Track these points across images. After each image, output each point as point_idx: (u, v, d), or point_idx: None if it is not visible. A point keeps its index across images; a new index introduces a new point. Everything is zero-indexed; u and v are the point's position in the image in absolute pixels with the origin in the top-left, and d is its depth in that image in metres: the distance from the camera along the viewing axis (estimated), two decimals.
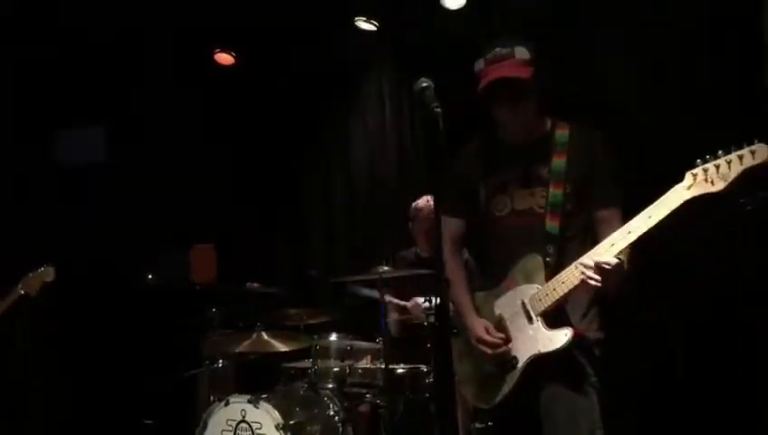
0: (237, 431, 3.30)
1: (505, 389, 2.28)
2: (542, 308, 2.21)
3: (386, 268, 3.58)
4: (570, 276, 2.15)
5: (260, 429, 3.26)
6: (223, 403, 3.37)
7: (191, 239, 5.05)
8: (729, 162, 1.87)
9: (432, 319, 3.54)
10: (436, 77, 1.99)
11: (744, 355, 3.44)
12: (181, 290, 4.66)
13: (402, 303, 3.95)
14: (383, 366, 3.42)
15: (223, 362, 3.97)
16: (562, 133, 2.35)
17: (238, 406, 3.32)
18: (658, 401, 3.70)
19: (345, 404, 3.49)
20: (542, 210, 2.30)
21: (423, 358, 3.58)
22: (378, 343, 3.64)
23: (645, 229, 2.00)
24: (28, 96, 4.99)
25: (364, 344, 3.76)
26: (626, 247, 2.06)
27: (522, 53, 2.28)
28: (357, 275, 3.83)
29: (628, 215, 2.10)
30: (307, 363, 3.71)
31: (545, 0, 4.03)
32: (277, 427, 3.20)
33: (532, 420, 2.26)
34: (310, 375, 3.60)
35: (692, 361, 3.65)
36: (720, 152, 1.88)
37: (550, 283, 2.21)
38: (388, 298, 3.85)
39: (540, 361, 2.21)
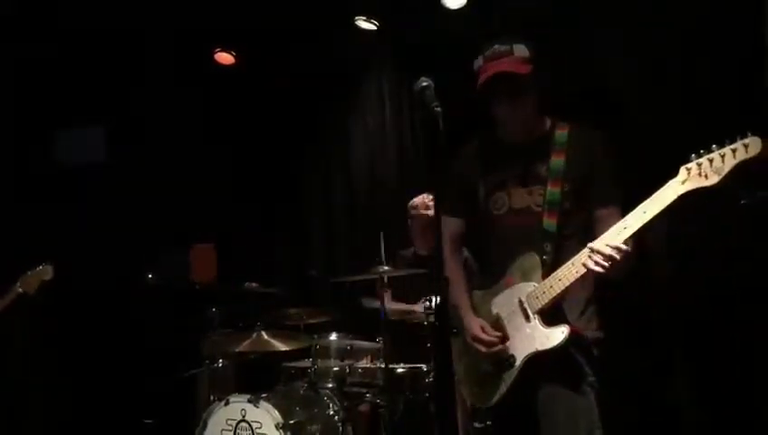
0: (237, 431, 3.30)
1: (503, 388, 2.28)
2: (540, 306, 2.22)
3: (386, 268, 3.58)
4: (567, 273, 2.16)
5: (260, 428, 3.26)
6: (223, 403, 3.37)
7: (191, 239, 5.05)
8: (723, 156, 1.88)
9: (432, 319, 3.53)
10: (436, 77, 2.00)
11: (743, 353, 3.43)
12: (181, 290, 4.67)
13: (409, 307, 3.93)
14: (383, 366, 3.42)
15: (223, 362, 3.98)
16: (562, 133, 2.36)
17: (238, 405, 3.32)
18: (657, 400, 3.70)
19: (345, 404, 3.49)
20: (540, 209, 2.31)
21: (423, 358, 3.58)
22: (378, 342, 3.64)
23: (640, 224, 2.01)
24: (28, 96, 5.00)
25: (364, 344, 3.76)
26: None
27: (520, 50, 2.30)
28: (357, 275, 3.82)
29: (626, 213, 2.10)
30: (307, 363, 3.72)
31: (545, 0, 4.03)
32: (277, 426, 3.21)
33: (530, 418, 2.26)
34: (310, 375, 3.60)
35: (691, 359, 3.64)
36: (714, 146, 1.89)
37: (547, 280, 2.21)
38: (392, 305, 3.85)
39: (537, 359, 2.21)
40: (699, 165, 1.91)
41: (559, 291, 2.18)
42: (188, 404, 4.20)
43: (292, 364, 3.87)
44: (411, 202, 4.04)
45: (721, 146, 1.88)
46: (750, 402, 3.40)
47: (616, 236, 2.06)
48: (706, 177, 1.90)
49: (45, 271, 3.27)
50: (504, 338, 2.29)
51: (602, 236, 2.09)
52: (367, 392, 3.57)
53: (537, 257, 2.26)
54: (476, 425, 3.18)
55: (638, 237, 2.08)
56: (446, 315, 2.00)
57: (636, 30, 3.87)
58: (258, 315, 3.86)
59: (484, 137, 2.51)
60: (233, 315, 4.17)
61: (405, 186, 4.74)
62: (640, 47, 3.85)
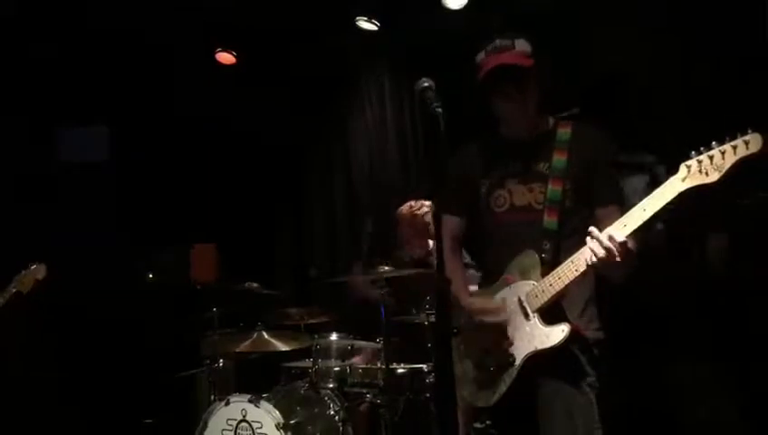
0: (238, 431, 3.30)
1: (503, 387, 2.27)
2: (539, 304, 2.21)
3: (386, 268, 3.58)
4: (567, 271, 2.15)
5: (260, 428, 3.26)
6: (223, 403, 3.37)
7: (192, 239, 5.06)
8: (723, 153, 1.87)
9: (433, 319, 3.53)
10: (437, 77, 1.99)
11: (746, 354, 3.43)
12: (182, 289, 4.67)
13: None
14: (383, 366, 3.42)
15: (223, 362, 3.98)
16: (565, 131, 2.35)
17: (239, 405, 3.32)
18: (657, 403, 3.69)
19: (345, 404, 3.49)
20: (541, 206, 2.30)
21: (423, 358, 3.59)
22: (378, 342, 3.64)
23: (641, 222, 2.00)
24: (29, 95, 5.00)
25: (364, 344, 3.76)
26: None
27: (522, 44, 2.31)
28: (358, 276, 3.83)
29: (626, 211, 2.08)
30: (308, 363, 3.72)
31: (547, 0, 4.03)
32: (278, 426, 3.21)
33: (530, 418, 2.25)
34: (310, 375, 3.60)
35: (692, 360, 3.64)
36: (714, 143, 1.88)
37: (546, 278, 2.20)
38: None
39: (537, 358, 2.20)
40: (699, 162, 1.90)
41: (558, 289, 2.17)
42: (189, 404, 4.21)
43: (293, 364, 3.88)
44: (399, 210, 4.06)
45: (721, 143, 1.87)
46: (754, 401, 3.39)
47: (616, 232, 2.03)
48: (707, 174, 1.89)
49: (38, 270, 3.28)
50: (504, 337, 2.27)
51: (605, 231, 2.05)
52: (367, 392, 3.57)
53: (536, 256, 2.25)
54: (477, 426, 3.17)
55: (640, 239, 2.06)
56: (446, 315, 1.99)
57: (637, 30, 3.87)
58: (259, 315, 3.86)
59: (485, 135, 2.50)
60: (233, 315, 4.17)
61: (406, 186, 4.75)
62: (642, 47, 3.85)
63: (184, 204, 5.15)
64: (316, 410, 3.46)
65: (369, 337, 3.76)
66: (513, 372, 2.24)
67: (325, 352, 3.70)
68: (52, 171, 5.21)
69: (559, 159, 2.31)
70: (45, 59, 4.88)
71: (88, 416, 4.73)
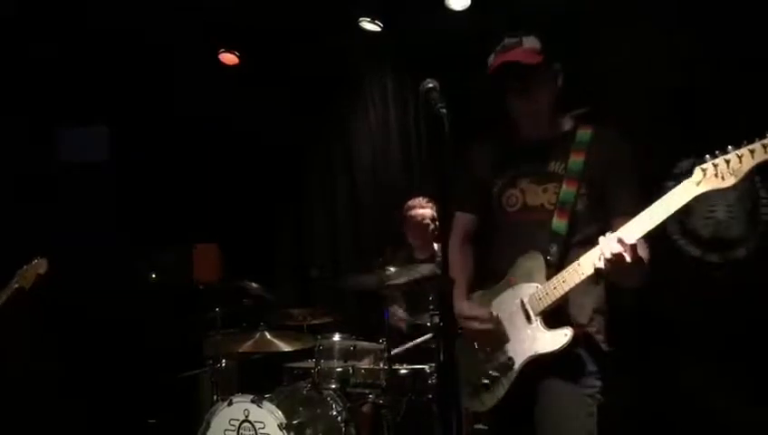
0: (240, 431, 3.30)
1: (501, 391, 2.21)
2: (542, 307, 2.15)
3: (392, 270, 3.58)
4: (572, 275, 2.08)
5: (263, 428, 3.26)
6: (226, 403, 3.37)
7: (194, 239, 5.06)
8: (740, 157, 1.81)
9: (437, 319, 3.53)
10: (441, 78, 1.99)
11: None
12: (184, 289, 4.67)
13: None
14: (386, 366, 3.42)
15: (226, 362, 3.98)
16: (585, 133, 2.29)
17: (241, 406, 3.32)
18: (665, 415, 3.61)
19: (348, 404, 3.49)
20: (553, 207, 2.23)
21: (426, 359, 3.59)
22: (381, 343, 3.64)
23: (652, 226, 1.94)
24: (30, 95, 5.00)
25: (367, 345, 3.76)
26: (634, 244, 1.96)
27: (530, 41, 2.25)
28: (359, 275, 3.82)
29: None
30: (310, 363, 3.72)
31: (549, 0, 4.03)
32: (280, 426, 3.21)
33: (527, 424, 2.20)
34: (313, 375, 3.60)
35: (704, 374, 3.56)
36: (730, 147, 1.82)
37: (550, 281, 2.14)
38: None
39: (538, 362, 2.14)
40: (716, 166, 1.84)
41: (562, 293, 2.10)
42: (191, 404, 4.21)
43: (296, 365, 3.88)
44: (407, 205, 4.06)
45: (738, 146, 1.82)
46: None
47: (628, 235, 1.96)
48: (723, 178, 1.83)
49: (40, 265, 3.29)
50: (504, 340, 2.22)
51: (614, 234, 1.98)
52: (370, 393, 3.57)
53: (541, 258, 2.19)
54: (479, 427, 3.17)
55: (651, 244, 2.01)
56: (450, 316, 1.98)
57: (640, 30, 3.87)
58: (261, 315, 3.86)
59: (501, 132, 2.45)
60: (236, 315, 4.17)
61: (409, 186, 4.75)
62: (645, 47, 3.85)
63: (186, 204, 5.15)
64: (319, 410, 3.46)
65: (371, 338, 3.76)
66: (512, 376, 2.19)
67: (328, 353, 3.71)
68: (53, 171, 5.21)
69: (576, 160, 2.24)
70: (45, 59, 4.88)
71: (91, 416, 4.73)
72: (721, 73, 3.63)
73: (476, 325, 2.24)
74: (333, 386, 3.57)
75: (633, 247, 1.93)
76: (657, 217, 1.93)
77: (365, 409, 3.67)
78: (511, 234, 2.33)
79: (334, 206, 5.23)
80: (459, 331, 2.37)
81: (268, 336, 3.75)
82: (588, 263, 2.05)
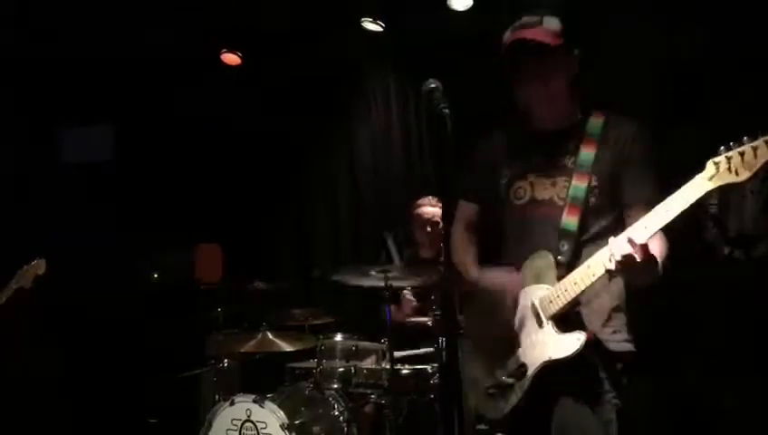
0: (242, 431, 3.30)
1: (515, 398, 2.12)
2: (553, 311, 2.05)
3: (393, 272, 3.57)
4: (583, 276, 1.98)
5: (265, 428, 3.25)
6: (228, 403, 3.36)
7: (196, 238, 5.07)
8: (755, 149, 1.67)
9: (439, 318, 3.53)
10: (443, 78, 1.98)
11: None
12: (186, 289, 4.68)
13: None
14: (388, 367, 3.42)
15: (228, 362, 3.98)
16: (596, 122, 2.18)
17: (243, 405, 3.32)
18: (689, 420, 3.55)
19: (350, 404, 3.49)
20: (563, 203, 2.13)
21: (428, 359, 3.58)
22: (383, 343, 3.64)
23: (663, 224, 1.83)
24: (30, 95, 5.01)
25: (369, 345, 3.76)
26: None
27: (552, 22, 2.12)
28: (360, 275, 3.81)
29: None
30: (312, 363, 3.72)
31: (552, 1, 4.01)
32: (282, 426, 3.20)
33: (546, 432, 2.11)
34: (315, 375, 3.60)
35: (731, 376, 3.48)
36: (745, 138, 1.70)
37: (561, 283, 2.04)
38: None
39: (552, 368, 2.05)
40: (729, 159, 1.71)
41: (574, 295, 2.00)
42: (193, 404, 4.21)
43: (298, 365, 3.88)
44: (416, 203, 4.05)
45: (753, 138, 1.69)
46: None
47: (638, 233, 1.86)
48: (737, 172, 1.70)
49: (39, 265, 3.30)
50: (516, 344, 2.15)
51: (623, 233, 1.90)
52: (372, 393, 3.57)
53: (551, 257, 2.10)
54: (480, 427, 3.16)
55: (671, 240, 1.94)
56: (453, 315, 1.97)
57: (642, 32, 3.85)
58: (263, 315, 3.87)
59: (510, 123, 2.35)
60: (238, 315, 4.18)
61: (410, 186, 4.75)
62: (647, 47, 3.83)
63: (188, 204, 5.15)
64: (320, 410, 3.46)
65: (373, 338, 3.76)
66: (526, 383, 2.10)
67: (330, 353, 3.70)
68: (53, 171, 5.22)
69: (586, 152, 2.13)
70: (46, 59, 4.89)
71: (92, 415, 4.74)
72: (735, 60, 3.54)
73: (507, 289, 2.16)
74: (335, 386, 3.56)
75: (643, 247, 1.84)
76: (667, 214, 1.82)
77: (367, 409, 3.67)
78: (518, 229, 2.24)
79: (336, 206, 5.23)
80: (461, 331, 2.35)
81: (270, 336, 3.75)
82: (598, 264, 1.96)
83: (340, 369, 3.63)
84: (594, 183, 2.12)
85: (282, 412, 3.25)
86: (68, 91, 5.06)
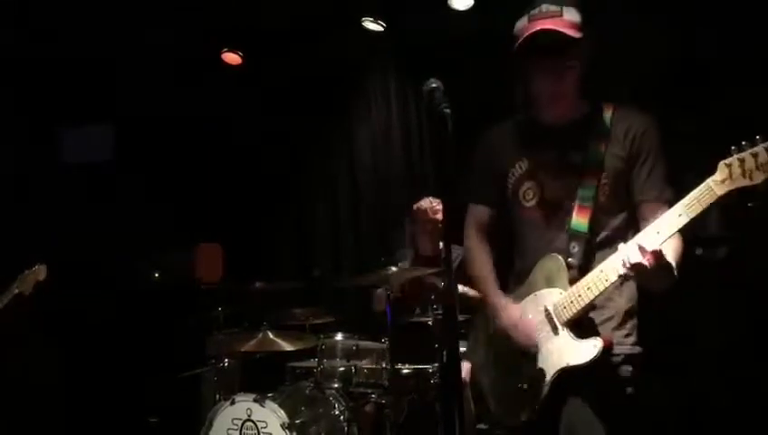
0: (243, 430, 3.30)
1: (533, 404, 2.08)
2: (568, 316, 2.01)
3: (394, 269, 3.57)
4: (596, 281, 1.94)
5: (265, 428, 3.26)
6: (228, 402, 3.37)
7: (197, 238, 5.07)
8: None
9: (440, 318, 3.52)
10: (444, 77, 1.98)
11: None
12: (187, 289, 4.68)
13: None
14: (388, 366, 3.42)
15: (229, 361, 3.98)
16: (605, 115, 2.11)
17: (244, 405, 3.32)
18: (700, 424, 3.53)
19: (350, 404, 3.49)
20: (573, 204, 2.07)
21: (429, 358, 3.58)
22: (383, 342, 3.64)
23: (675, 229, 1.78)
24: (30, 95, 5.01)
25: (370, 344, 3.76)
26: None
27: (572, 14, 2.03)
28: (361, 275, 3.82)
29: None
30: (313, 363, 3.73)
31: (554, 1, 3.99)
32: (283, 426, 3.20)
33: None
34: (315, 375, 3.61)
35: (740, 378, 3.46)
36: (758, 137, 1.62)
37: (574, 287, 2.00)
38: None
39: (567, 374, 2.02)
40: (741, 161, 1.62)
41: (588, 301, 1.96)
42: (194, 403, 4.21)
43: (298, 364, 3.88)
44: (417, 205, 4.06)
45: (766, 138, 1.61)
46: None
47: (650, 239, 1.82)
48: (751, 176, 1.61)
49: (39, 271, 3.30)
50: (532, 350, 2.10)
51: (633, 239, 1.86)
52: (372, 393, 3.57)
53: (561, 260, 2.06)
54: (480, 427, 3.17)
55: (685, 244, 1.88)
56: (453, 315, 1.95)
57: (645, 32, 3.84)
58: (264, 315, 3.87)
59: (516, 117, 2.28)
60: (238, 314, 4.18)
61: (410, 186, 4.75)
62: (650, 48, 3.82)
63: (188, 204, 5.16)
64: (321, 409, 3.46)
65: (374, 337, 3.76)
66: (544, 389, 2.05)
67: (330, 352, 3.70)
68: (53, 171, 5.22)
69: (596, 149, 2.07)
70: (46, 59, 4.89)
71: (93, 415, 4.74)
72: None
73: (518, 337, 2.12)
74: (336, 385, 3.57)
75: (655, 253, 1.79)
76: (680, 219, 1.76)
77: (367, 408, 3.67)
78: (528, 231, 2.19)
79: (336, 205, 5.23)
80: (462, 331, 2.34)
81: (271, 336, 3.75)
82: (611, 269, 1.92)
83: (341, 368, 3.63)
84: (604, 180, 2.06)
85: (282, 412, 3.25)
86: (68, 91, 5.06)
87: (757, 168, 1.62)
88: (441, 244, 3.65)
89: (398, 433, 3.39)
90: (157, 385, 4.55)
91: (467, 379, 3.11)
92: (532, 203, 2.17)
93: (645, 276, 1.86)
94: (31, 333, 4.54)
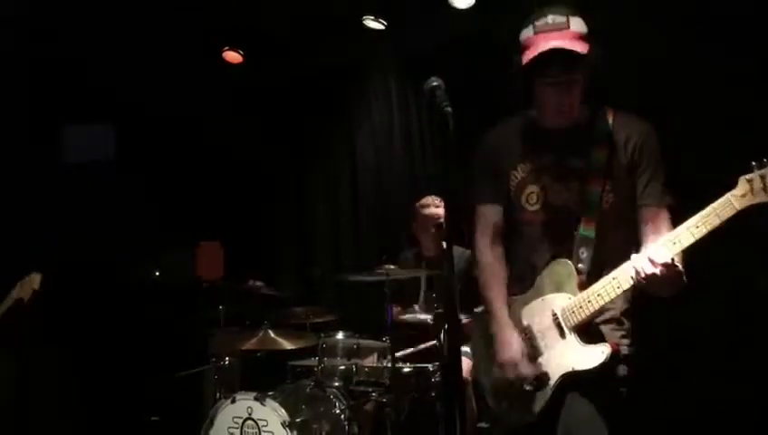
0: (244, 429, 3.31)
1: (536, 407, 2.09)
2: (576, 321, 2.02)
3: (392, 267, 3.58)
4: (608, 288, 1.96)
5: (266, 426, 3.27)
6: (229, 400, 3.38)
7: (198, 237, 5.07)
8: None
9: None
10: (445, 77, 1.98)
11: None
12: (188, 287, 4.69)
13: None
14: (389, 365, 3.43)
15: (230, 360, 3.99)
16: (606, 122, 2.12)
17: (245, 403, 3.33)
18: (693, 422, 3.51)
19: (351, 402, 3.49)
20: (578, 208, 2.09)
21: (429, 357, 3.59)
22: (384, 341, 3.65)
23: (692, 241, 1.79)
24: (31, 95, 5.01)
25: (371, 343, 3.77)
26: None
27: (578, 24, 2.03)
28: (362, 275, 3.83)
29: (674, 217, 1.96)
30: (313, 361, 3.73)
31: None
32: (283, 424, 3.22)
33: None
34: (316, 373, 3.61)
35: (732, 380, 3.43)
36: None
37: (584, 293, 2.01)
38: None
39: (571, 378, 2.04)
40: (763, 177, 1.66)
41: (598, 307, 1.98)
42: (195, 402, 4.22)
43: (299, 363, 3.89)
44: (419, 202, 4.06)
45: None
46: None
47: (663, 250, 1.83)
48: None
49: (33, 280, 3.29)
50: (537, 354, 2.12)
51: (648, 249, 1.88)
52: (373, 391, 3.58)
53: (571, 265, 2.06)
54: (481, 425, 3.18)
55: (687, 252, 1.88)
56: (454, 315, 1.96)
57: (647, 33, 3.83)
58: (265, 313, 3.88)
59: (519, 118, 2.28)
60: (240, 313, 4.18)
61: (411, 185, 4.76)
62: (652, 49, 3.81)
63: (189, 202, 5.16)
64: (322, 408, 3.47)
65: (375, 336, 3.77)
66: (548, 393, 2.07)
67: (331, 351, 3.71)
68: (53, 171, 5.22)
69: (599, 154, 2.08)
70: (47, 59, 4.89)
71: (95, 414, 4.75)
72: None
73: (510, 376, 2.12)
74: (336, 384, 3.58)
75: (666, 265, 1.81)
76: (697, 231, 1.77)
77: (368, 407, 3.67)
78: (532, 236, 2.18)
79: (337, 205, 5.24)
80: (462, 326, 2.33)
81: (271, 334, 3.76)
82: (625, 277, 1.93)
83: (342, 367, 3.64)
84: (608, 186, 2.08)
85: (283, 410, 3.26)
86: (68, 90, 5.06)
87: None
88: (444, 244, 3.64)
89: (398, 432, 3.39)
90: (158, 384, 4.55)
91: (469, 377, 3.13)
92: (536, 207, 2.17)
93: (657, 285, 1.88)
94: (31, 332, 4.54)
